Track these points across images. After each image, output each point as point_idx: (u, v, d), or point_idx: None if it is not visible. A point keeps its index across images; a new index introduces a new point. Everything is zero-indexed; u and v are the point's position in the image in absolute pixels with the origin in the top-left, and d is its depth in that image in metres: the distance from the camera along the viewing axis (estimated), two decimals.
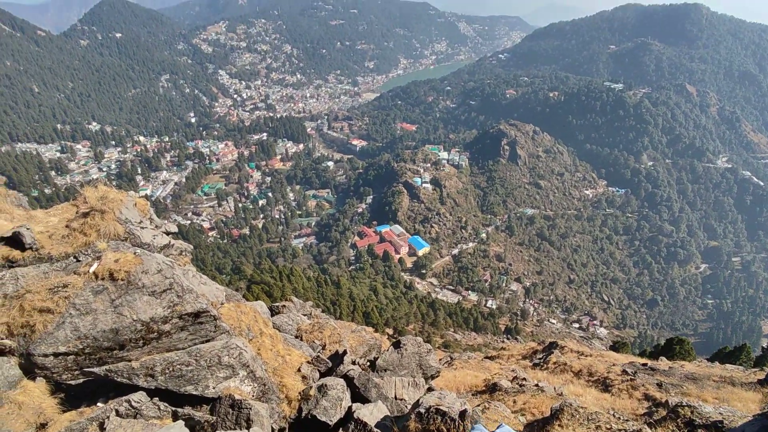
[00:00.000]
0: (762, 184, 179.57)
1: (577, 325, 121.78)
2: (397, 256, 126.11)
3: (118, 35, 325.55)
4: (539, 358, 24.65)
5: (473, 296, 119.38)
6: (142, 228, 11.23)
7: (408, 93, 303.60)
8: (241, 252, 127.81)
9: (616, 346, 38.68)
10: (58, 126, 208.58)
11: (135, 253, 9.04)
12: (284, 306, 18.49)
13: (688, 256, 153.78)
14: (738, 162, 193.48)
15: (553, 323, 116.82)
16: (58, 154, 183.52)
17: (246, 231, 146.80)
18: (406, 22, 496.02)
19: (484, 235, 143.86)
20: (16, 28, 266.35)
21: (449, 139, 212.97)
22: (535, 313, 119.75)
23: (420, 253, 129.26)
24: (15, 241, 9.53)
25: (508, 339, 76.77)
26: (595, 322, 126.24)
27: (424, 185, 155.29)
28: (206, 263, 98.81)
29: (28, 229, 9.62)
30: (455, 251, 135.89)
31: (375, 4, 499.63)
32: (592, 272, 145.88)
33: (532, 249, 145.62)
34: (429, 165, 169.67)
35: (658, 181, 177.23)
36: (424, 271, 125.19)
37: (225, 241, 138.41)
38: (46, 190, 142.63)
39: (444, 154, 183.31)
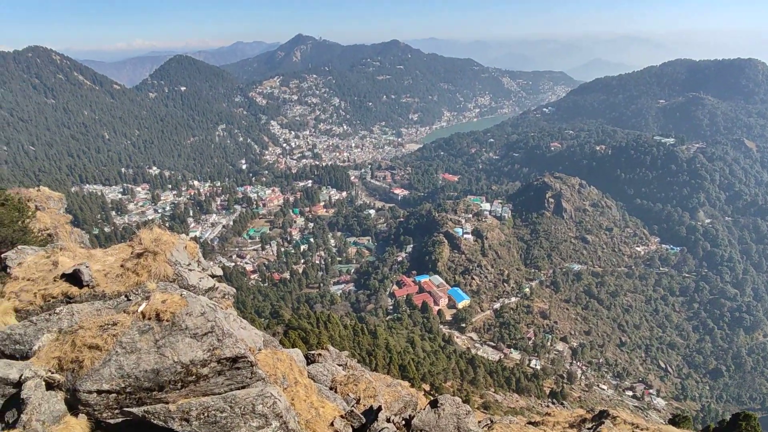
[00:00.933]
0: None
1: (630, 393, 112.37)
2: (436, 308, 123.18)
3: (183, 89, 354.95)
4: (588, 428, 22.73)
5: (516, 354, 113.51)
6: (190, 270, 11.68)
7: (451, 144, 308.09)
8: (281, 296, 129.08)
9: (676, 420, 35.10)
10: (123, 170, 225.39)
11: (181, 295, 9.36)
12: (320, 355, 18.29)
13: (755, 323, 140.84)
14: None
15: (603, 389, 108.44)
16: (120, 196, 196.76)
17: (287, 275, 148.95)
18: (451, 77, 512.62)
19: (527, 289, 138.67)
20: (96, 82, 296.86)
21: (492, 190, 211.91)
22: (582, 377, 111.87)
23: (460, 305, 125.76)
24: (74, 277, 10.13)
25: (553, 403, 71.75)
26: (651, 390, 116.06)
27: (465, 236, 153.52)
28: (246, 306, 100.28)
29: (87, 267, 10.23)
30: (497, 305, 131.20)
31: (420, 60, 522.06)
32: (646, 335, 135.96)
33: (579, 307, 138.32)
34: (471, 216, 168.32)
35: (718, 239, 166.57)
36: (463, 325, 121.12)
37: (266, 284, 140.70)
38: (106, 229, 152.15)
39: (486, 205, 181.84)
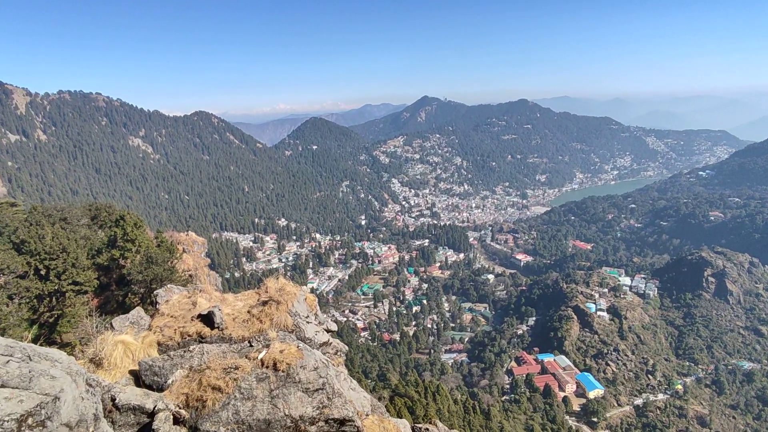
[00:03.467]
0: None
1: None
2: (562, 394, 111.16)
3: (314, 147, 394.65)
4: None
5: None
6: (308, 322, 12.31)
7: (583, 208, 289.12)
8: (389, 358, 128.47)
9: None
10: (256, 220, 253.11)
11: (298, 347, 9.83)
12: (427, 430, 17.45)
13: None
14: None
15: None
16: (251, 244, 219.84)
17: (396, 336, 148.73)
18: (585, 137, 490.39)
19: (680, 386, 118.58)
20: (243, 141, 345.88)
21: (633, 262, 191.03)
22: None
23: (591, 395, 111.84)
24: (208, 318, 11.32)
25: None
26: None
27: (599, 313, 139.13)
28: (354, 364, 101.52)
29: (219, 310, 11.39)
30: (638, 401, 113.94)
31: (551, 119, 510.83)
32: None
33: (750, 417, 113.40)
34: (606, 290, 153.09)
35: None
36: (595, 419, 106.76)
37: (375, 343, 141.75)
38: (236, 274, 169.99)
39: (626, 280, 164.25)
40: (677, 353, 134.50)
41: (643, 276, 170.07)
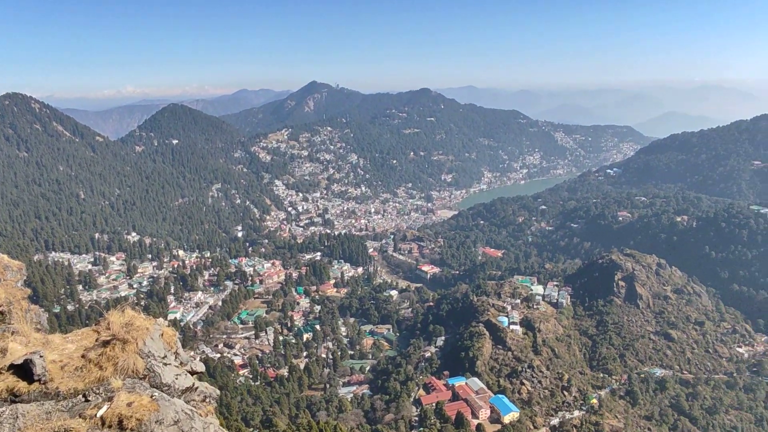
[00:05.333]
0: None
1: None
2: (475, 422, 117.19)
3: (175, 142, 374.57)
4: None
5: None
6: (165, 364, 11.57)
7: (493, 211, 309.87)
8: (276, 399, 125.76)
9: None
10: (96, 235, 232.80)
11: (152, 397, 9.21)
12: None
13: None
14: None
15: None
16: (90, 266, 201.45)
17: (284, 372, 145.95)
18: (492, 132, 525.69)
19: (594, 400, 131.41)
20: (77, 134, 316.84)
21: (545, 269, 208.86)
22: None
23: (506, 419, 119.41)
24: (25, 369, 10.14)
25: None
26: None
27: (512, 327, 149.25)
28: (232, 410, 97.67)
29: (40, 357, 10.24)
30: (554, 421, 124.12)
31: (456, 112, 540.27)
32: None
33: (666, 427, 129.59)
34: (519, 301, 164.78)
35: None
36: None
37: (258, 382, 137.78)
38: (70, 307, 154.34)
39: (538, 288, 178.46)
40: (591, 365, 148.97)
41: (555, 283, 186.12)
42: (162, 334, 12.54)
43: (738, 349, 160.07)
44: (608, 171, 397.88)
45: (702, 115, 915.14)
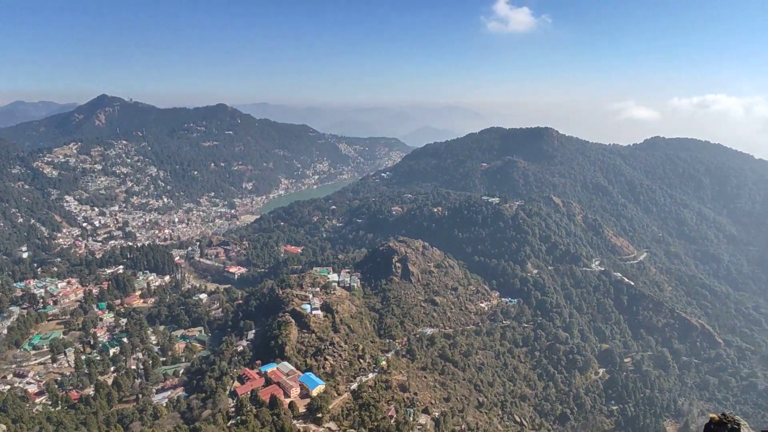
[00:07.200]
0: (632, 284, 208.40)
1: None
2: (287, 400, 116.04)
3: None
4: None
5: None
6: None
7: (291, 213, 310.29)
8: (82, 420, 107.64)
9: None
10: None
11: None
12: None
13: (586, 362, 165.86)
14: (609, 265, 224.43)
15: None
16: None
17: (90, 391, 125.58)
18: (287, 144, 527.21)
19: (384, 362, 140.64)
20: None
21: (338, 259, 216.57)
22: None
23: (314, 392, 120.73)
24: None
25: None
26: None
27: (314, 312, 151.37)
28: None
29: None
30: (354, 385, 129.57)
31: (252, 126, 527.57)
32: (500, 391, 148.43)
33: (437, 373, 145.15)
34: (318, 289, 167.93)
35: (545, 288, 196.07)
36: (319, 415, 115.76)
37: (59, 407, 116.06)
38: None
39: (334, 276, 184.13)
40: (379, 334, 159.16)
41: (347, 270, 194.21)
42: None
43: (480, 304, 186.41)
44: (382, 175, 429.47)
45: (447, 129, 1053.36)
